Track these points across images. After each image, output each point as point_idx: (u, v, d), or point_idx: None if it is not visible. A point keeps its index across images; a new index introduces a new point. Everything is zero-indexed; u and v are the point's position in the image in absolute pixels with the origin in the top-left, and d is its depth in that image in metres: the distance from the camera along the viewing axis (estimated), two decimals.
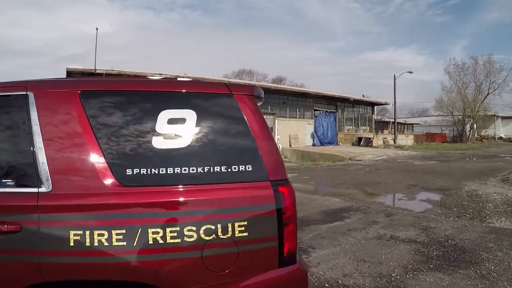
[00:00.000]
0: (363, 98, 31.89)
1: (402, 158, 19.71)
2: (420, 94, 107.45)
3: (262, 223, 1.82)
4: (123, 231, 1.66)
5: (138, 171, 1.76)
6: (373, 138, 29.64)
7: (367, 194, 8.74)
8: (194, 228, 1.72)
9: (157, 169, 1.77)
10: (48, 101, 1.85)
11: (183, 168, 1.79)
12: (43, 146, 1.75)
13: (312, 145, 25.29)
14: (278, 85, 31.64)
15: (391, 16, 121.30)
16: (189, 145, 1.83)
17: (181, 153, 1.82)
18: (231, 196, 1.81)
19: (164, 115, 1.84)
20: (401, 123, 39.32)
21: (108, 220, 1.69)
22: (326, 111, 27.82)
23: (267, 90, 24.14)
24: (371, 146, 27.69)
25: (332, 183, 10.74)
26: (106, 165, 1.76)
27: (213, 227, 1.73)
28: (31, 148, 1.76)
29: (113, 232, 1.66)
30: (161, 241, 1.68)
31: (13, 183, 1.74)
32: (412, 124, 44.73)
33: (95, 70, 19.95)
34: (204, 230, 1.73)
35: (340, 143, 27.92)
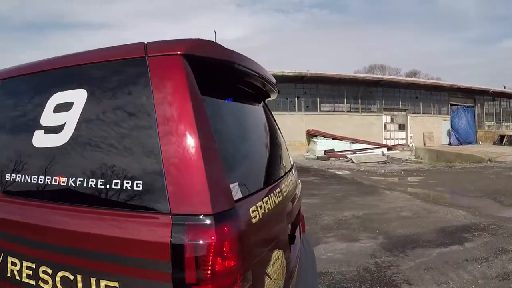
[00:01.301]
0: (504, 90, 28.12)
1: None
2: None
3: None
4: None
5: (17, 178, 1.39)
6: None
7: (503, 207, 6.93)
8: (50, 272, 1.18)
9: (31, 176, 1.34)
10: None
11: (47, 177, 1.29)
12: None
13: (448, 144, 24.03)
14: (409, 78, 30.25)
15: None
16: (64, 144, 1.28)
17: (53, 155, 1.31)
18: (99, 233, 1.13)
19: (53, 101, 1.36)
20: None
21: None
22: (463, 105, 25.91)
23: (397, 84, 23.77)
24: None
25: (462, 190, 9.15)
26: None
27: (71, 277, 1.13)
28: None
29: None
30: (17, 277, 1.25)
31: None
32: None
33: None
34: (61, 279, 1.15)
35: (480, 142, 25.63)
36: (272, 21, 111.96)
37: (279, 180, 1.77)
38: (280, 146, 2.23)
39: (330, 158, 18.09)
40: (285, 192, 1.73)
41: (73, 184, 1.23)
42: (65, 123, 1.29)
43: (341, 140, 20.38)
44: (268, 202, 1.42)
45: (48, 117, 1.35)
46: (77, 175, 1.22)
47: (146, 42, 1.23)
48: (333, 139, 20.44)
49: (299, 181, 2.43)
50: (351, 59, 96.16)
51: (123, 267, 1.07)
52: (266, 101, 2.31)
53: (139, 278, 1.05)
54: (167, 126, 1.09)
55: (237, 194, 1.20)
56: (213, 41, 1.31)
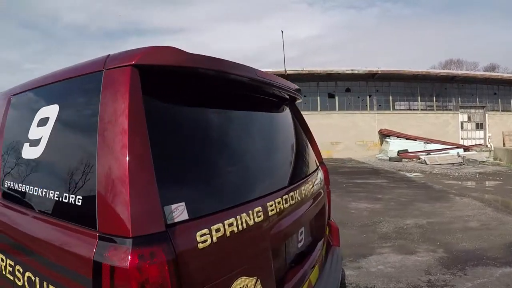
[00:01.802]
0: None
1: None
2: None
3: None
4: None
5: (9, 184, 1.60)
6: None
7: None
8: (12, 264, 1.39)
9: (16, 184, 1.53)
10: None
11: (23, 185, 1.47)
12: None
13: None
14: (486, 73, 28.67)
15: None
16: (39, 157, 1.41)
17: (31, 166, 1.47)
18: (43, 239, 1.26)
19: (38, 116, 1.48)
20: None
21: None
22: None
23: (474, 79, 22.93)
24: None
25: None
26: None
27: (24, 273, 1.31)
28: None
29: None
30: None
31: None
32: None
33: (286, 72, 20.87)
34: (21, 275, 1.32)
35: None
36: (343, 18, 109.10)
37: (266, 196, 1.53)
38: (288, 153, 2.06)
39: (402, 159, 18.05)
40: (279, 207, 1.56)
41: (35, 193, 1.37)
42: (41, 137, 1.40)
43: (415, 140, 20.21)
44: (235, 224, 1.27)
45: (33, 131, 1.46)
46: (39, 185, 1.34)
47: (108, 55, 1.22)
48: (406, 139, 20.37)
49: (322, 190, 2.28)
50: (426, 54, 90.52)
51: (58, 274, 1.12)
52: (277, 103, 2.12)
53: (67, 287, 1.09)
54: (104, 143, 1.07)
55: (180, 215, 1.10)
56: (171, 47, 1.20)
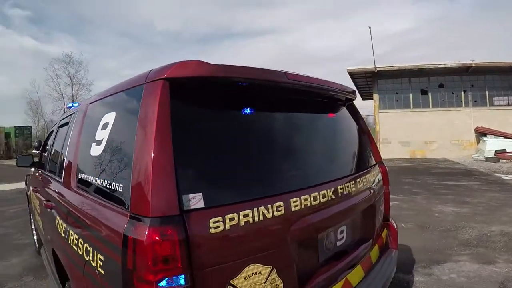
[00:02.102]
0: None
1: None
2: None
3: (111, 275, 1.43)
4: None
5: (82, 177, 2.03)
6: None
7: None
8: (82, 241, 1.75)
9: (88, 176, 1.93)
10: None
11: (93, 178, 1.84)
12: None
13: None
14: None
15: None
16: (100, 154, 1.79)
17: (94, 162, 1.85)
18: (98, 218, 1.62)
19: (103, 120, 1.86)
20: None
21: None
22: None
23: None
24: None
25: None
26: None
27: (90, 248, 1.63)
28: None
29: None
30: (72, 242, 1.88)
31: None
32: None
33: (375, 68, 21.04)
34: (85, 249, 1.67)
35: None
36: (436, 9, 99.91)
37: (291, 192, 1.65)
38: (326, 152, 2.16)
39: (500, 160, 17.18)
40: (305, 204, 1.67)
41: (95, 182, 1.78)
42: (103, 138, 1.77)
43: None
44: (251, 215, 1.44)
45: (98, 133, 1.85)
46: (99, 176, 1.75)
47: (150, 70, 1.51)
48: (504, 137, 19.35)
49: (373, 189, 2.31)
50: None
51: (104, 246, 1.47)
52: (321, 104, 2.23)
53: (110, 257, 1.42)
54: (138, 142, 1.36)
55: (197, 204, 1.32)
56: (196, 61, 1.42)
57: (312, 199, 1.73)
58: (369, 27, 21.74)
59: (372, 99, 24.89)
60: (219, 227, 1.34)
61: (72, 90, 39.77)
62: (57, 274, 2.45)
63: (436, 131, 21.73)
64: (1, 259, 4.70)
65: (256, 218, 1.46)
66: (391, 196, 2.76)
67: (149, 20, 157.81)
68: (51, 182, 2.88)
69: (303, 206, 1.68)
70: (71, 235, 1.90)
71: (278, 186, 1.66)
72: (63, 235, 2.04)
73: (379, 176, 2.53)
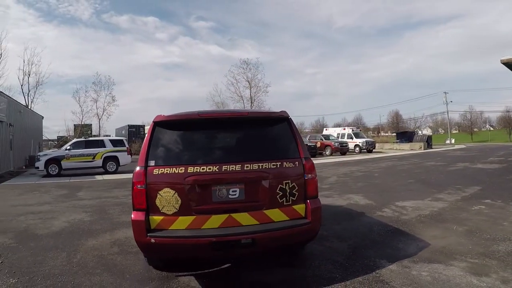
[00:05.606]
0: None
1: None
2: None
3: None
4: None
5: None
6: None
7: None
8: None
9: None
10: None
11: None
12: None
13: None
14: None
15: None
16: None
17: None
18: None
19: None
20: None
21: None
22: None
23: None
24: None
25: None
26: None
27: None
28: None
29: None
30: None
31: None
32: None
33: None
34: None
35: None
36: None
37: (202, 164, 3.46)
38: (239, 148, 3.81)
39: None
40: (208, 169, 3.42)
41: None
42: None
43: None
44: (172, 170, 3.39)
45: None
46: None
47: (156, 116, 3.66)
48: None
49: (268, 173, 3.57)
50: None
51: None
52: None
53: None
54: (143, 146, 3.54)
55: (152, 164, 3.42)
56: (162, 115, 3.73)
57: (207, 168, 3.45)
58: None
59: None
60: (157, 172, 3.36)
61: (250, 92, 45.04)
62: None
63: None
64: None
65: (170, 170, 3.40)
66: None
67: (328, 18, 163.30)
68: None
69: (200, 169, 3.43)
70: None
71: (195, 161, 3.50)
72: None
73: (296, 166, 3.72)
